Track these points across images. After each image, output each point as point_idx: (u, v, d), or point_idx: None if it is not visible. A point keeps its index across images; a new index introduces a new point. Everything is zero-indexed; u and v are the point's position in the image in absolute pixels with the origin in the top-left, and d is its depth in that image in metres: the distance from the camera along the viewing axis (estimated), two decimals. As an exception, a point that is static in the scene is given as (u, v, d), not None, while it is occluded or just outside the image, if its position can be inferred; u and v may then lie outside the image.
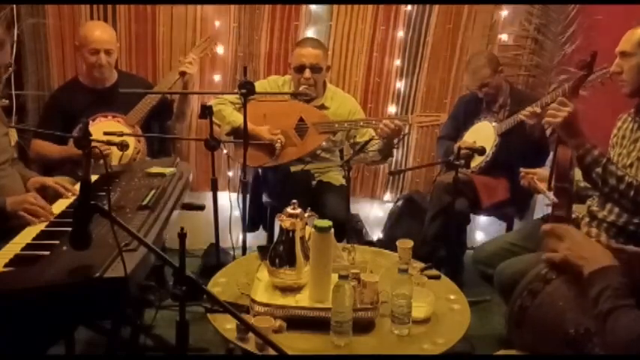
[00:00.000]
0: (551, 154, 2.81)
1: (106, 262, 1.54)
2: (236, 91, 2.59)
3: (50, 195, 2.27)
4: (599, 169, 2.01)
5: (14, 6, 3.15)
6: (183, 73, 3.04)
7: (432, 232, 3.10)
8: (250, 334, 1.74)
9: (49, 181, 2.33)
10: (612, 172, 2.01)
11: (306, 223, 2.01)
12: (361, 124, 3.04)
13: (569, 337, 1.45)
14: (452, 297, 2.10)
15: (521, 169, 2.47)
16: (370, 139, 2.89)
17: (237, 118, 2.98)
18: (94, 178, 2.31)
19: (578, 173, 2.12)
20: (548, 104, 2.75)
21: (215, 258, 2.75)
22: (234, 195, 3.13)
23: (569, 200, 1.93)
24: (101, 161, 2.36)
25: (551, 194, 1.99)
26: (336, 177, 3.21)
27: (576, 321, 1.45)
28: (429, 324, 1.91)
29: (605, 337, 1.36)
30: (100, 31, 2.96)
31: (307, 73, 2.98)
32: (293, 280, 1.98)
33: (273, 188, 3.15)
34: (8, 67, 2.34)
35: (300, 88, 2.99)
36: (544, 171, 2.37)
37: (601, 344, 1.38)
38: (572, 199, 1.99)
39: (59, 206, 2.17)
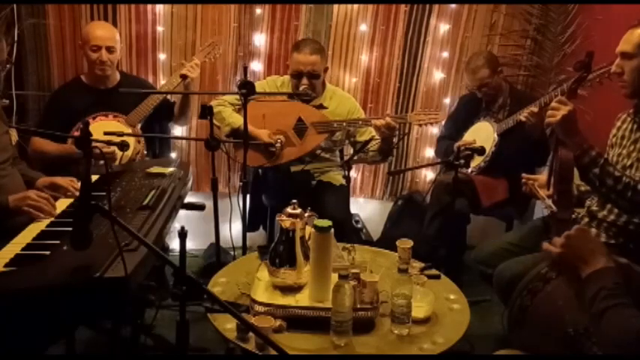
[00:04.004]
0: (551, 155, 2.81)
1: (107, 262, 1.54)
2: (236, 91, 2.59)
3: (60, 194, 2.28)
4: (596, 170, 2.01)
5: (14, 6, 3.15)
6: (184, 76, 3.05)
7: (431, 232, 3.10)
8: (250, 334, 1.74)
9: (59, 179, 2.33)
10: (610, 173, 2.01)
11: (306, 223, 2.01)
12: (360, 123, 3.04)
13: (568, 336, 1.45)
14: (452, 297, 2.10)
15: (523, 175, 2.47)
16: (370, 139, 2.89)
17: (237, 120, 2.98)
18: (94, 178, 2.31)
19: (577, 176, 2.11)
20: (547, 104, 2.75)
21: (215, 258, 2.75)
22: (234, 195, 3.13)
23: (570, 203, 1.93)
24: (101, 161, 2.36)
25: (549, 201, 1.98)
26: (336, 177, 3.21)
27: (575, 320, 1.46)
28: (428, 324, 1.91)
29: (602, 336, 1.37)
30: (102, 29, 3.00)
31: (305, 80, 2.99)
32: (293, 279, 1.98)
33: (273, 188, 3.16)
34: (5, 65, 2.35)
35: (300, 89, 2.99)
36: (544, 177, 2.37)
37: (599, 344, 1.39)
38: (572, 202, 1.99)
39: (60, 206, 2.17)
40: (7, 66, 2.67)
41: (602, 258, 1.48)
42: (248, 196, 2.82)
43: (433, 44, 3.66)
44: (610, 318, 1.35)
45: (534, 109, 2.80)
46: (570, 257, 1.54)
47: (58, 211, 2.11)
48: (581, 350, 1.42)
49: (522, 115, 2.87)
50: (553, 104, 2.02)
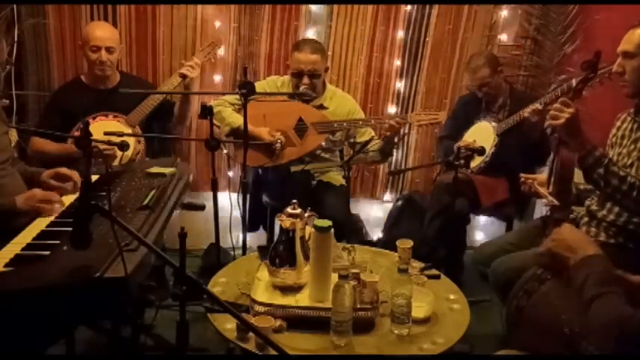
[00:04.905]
0: (551, 154, 2.80)
1: (106, 262, 1.54)
2: (236, 91, 2.59)
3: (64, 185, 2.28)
4: (601, 170, 2.00)
5: (14, 6, 3.16)
6: (184, 76, 3.05)
7: (431, 232, 3.10)
8: (250, 334, 1.74)
9: (63, 169, 2.33)
10: (614, 173, 2.00)
11: (306, 223, 2.01)
12: (360, 123, 3.04)
13: (565, 336, 1.45)
14: (452, 297, 2.10)
15: (521, 175, 2.47)
16: (370, 139, 2.89)
17: (237, 119, 2.98)
18: (94, 178, 2.31)
19: (578, 175, 2.11)
20: (547, 103, 2.75)
21: (215, 258, 2.75)
22: (234, 195, 3.13)
23: (569, 202, 1.93)
24: (100, 159, 2.36)
25: (552, 198, 1.98)
26: (336, 177, 3.21)
27: (571, 320, 1.45)
28: (428, 324, 1.91)
29: (589, 325, 1.35)
30: (101, 30, 3.00)
31: (305, 79, 2.98)
32: (293, 279, 1.98)
33: (273, 188, 3.16)
34: (5, 65, 2.35)
35: (301, 89, 2.99)
36: (544, 176, 2.37)
37: (587, 333, 1.37)
38: (571, 201, 1.99)
39: (65, 201, 2.18)
40: (7, 66, 2.67)
41: (591, 246, 1.47)
42: (248, 196, 2.82)
43: (433, 44, 3.65)
44: (599, 305, 1.34)
45: (539, 106, 2.79)
46: (559, 249, 1.52)
47: (67, 202, 2.12)
48: (578, 350, 1.42)
49: (526, 112, 2.86)
50: (555, 106, 2.01)
